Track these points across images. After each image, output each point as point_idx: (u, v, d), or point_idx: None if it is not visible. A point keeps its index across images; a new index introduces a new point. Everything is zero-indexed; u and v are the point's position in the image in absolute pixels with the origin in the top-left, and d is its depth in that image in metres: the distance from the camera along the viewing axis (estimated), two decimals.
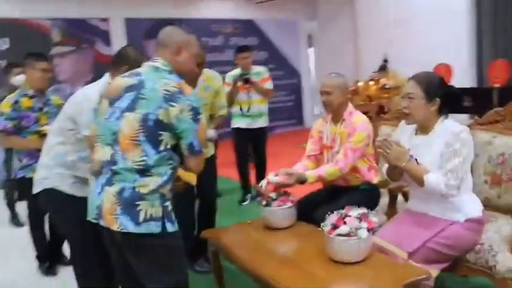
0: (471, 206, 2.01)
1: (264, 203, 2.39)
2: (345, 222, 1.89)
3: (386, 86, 6.88)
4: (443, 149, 1.94)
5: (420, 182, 1.95)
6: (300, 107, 10.52)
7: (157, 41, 1.79)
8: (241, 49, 4.47)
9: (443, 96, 2.00)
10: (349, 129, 2.54)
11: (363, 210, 1.96)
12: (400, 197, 2.54)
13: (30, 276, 3.16)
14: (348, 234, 1.85)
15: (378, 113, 7.21)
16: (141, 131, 1.61)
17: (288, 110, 10.29)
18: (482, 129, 2.46)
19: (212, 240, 2.41)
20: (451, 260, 2.02)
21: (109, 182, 1.64)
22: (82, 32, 7.98)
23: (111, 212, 1.62)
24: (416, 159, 1.99)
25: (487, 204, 2.34)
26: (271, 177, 2.45)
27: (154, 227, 1.63)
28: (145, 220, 1.61)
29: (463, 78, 6.56)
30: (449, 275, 2.14)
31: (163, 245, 1.68)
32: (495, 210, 2.30)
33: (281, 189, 2.44)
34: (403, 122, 2.15)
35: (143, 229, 1.61)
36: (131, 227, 1.60)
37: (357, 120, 2.55)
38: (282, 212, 2.36)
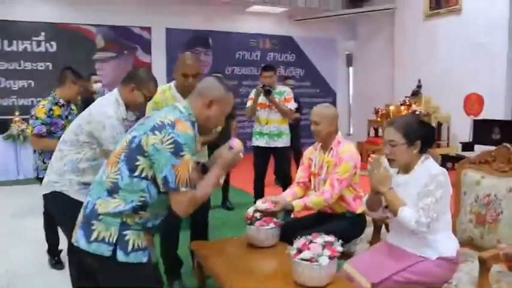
0: (445, 245, 2.02)
1: (248, 222, 2.48)
2: (309, 248, 1.94)
3: (416, 112, 6.78)
4: (421, 189, 1.99)
5: (395, 213, 2.01)
6: None
7: (196, 89, 1.82)
8: (266, 68, 4.52)
9: (423, 136, 2.04)
10: (335, 159, 2.61)
11: (330, 238, 2.00)
12: (383, 228, 2.55)
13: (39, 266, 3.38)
14: (310, 260, 1.91)
15: None
16: (125, 150, 1.66)
17: None
18: (472, 168, 2.46)
19: (196, 252, 2.51)
20: None
21: (90, 192, 1.74)
22: (124, 39, 8.39)
23: (78, 224, 1.71)
24: None
25: (470, 243, 2.34)
26: (259, 204, 2.54)
27: (104, 249, 1.61)
28: (96, 240, 1.62)
29: (494, 109, 6.38)
30: None
31: (114, 271, 1.65)
32: (478, 250, 2.27)
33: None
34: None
35: (92, 248, 1.62)
36: (82, 243, 1.64)
37: (344, 150, 2.61)
38: (264, 232, 2.43)
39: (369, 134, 8.17)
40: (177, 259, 2.99)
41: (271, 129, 4.45)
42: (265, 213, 2.50)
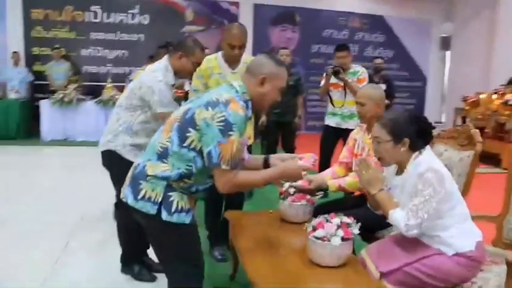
0: (460, 241, 1.85)
1: (281, 197, 2.49)
2: (323, 227, 1.92)
3: (509, 102, 6.18)
4: (412, 189, 1.85)
5: (386, 214, 1.90)
6: (420, 112, 9.91)
7: (248, 68, 1.85)
8: (339, 48, 4.45)
9: (413, 133, 1.87)
10: None
11: (348, 220, 1.96)
12: None
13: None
14: (321, 238, 1.88)
15: (495, 130, 6.53)
16: (179, 120, 1.74)
17: None
18: (441, 141, 2.60)
19: (231, 222, 2.58)
20: None
21: (140, 155, 1.89)
22: (213, 14, 8.65)
23: (126, 182, 1.83)
24: None
25: None
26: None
27: (150, 208, 1.71)
28: (143, 198, 1.72)
29: None
30: None
31: (158, 229, 1.76)
32: None
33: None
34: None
35: (138, 205, 1.73)
36: (130, 200, 1.75)
37: None
38: (295, 207, 2.43)
39: (454, 123, 7.60)
40: (219, 226, 3.10)
41: (344, 111, 4.41)
42: (300, 190, 2.49)
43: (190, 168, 1.72)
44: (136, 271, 2.77)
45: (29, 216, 3.82)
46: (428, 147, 1.92)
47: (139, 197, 1.73)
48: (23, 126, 7.64)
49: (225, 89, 1.79)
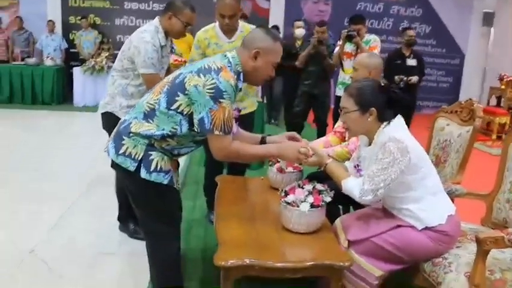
0: (430, 214, 1.80)
1: (270, 163, 2.49)
2: (294, 193, 1.91)
3: None
4: (374, 158, 1.79)
5: (339, 186, 1.87)
6: (456, 90, 9.50)
7: (243, 41, 1.85)
8: (354, 20, 4.42)
9: (380, 103, 1.80)
10: None
11: (322, 187, 1.95)
12: None
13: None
14: (291, 204, 1.88)
15: None
16: (169, 84, 1.77)
17: (442, 92, 9.41)
18: (443, 116, 2.60)
19: (218, 185, 2.62)
20: (406, 264, 1.87)
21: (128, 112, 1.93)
22: None
23: (111, 137, 1.88)
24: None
25: (505, 226, 2.04)
26: None
27: (129, 164, 1.75)
28: (124, 154, 1.76)
29: None
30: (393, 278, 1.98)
31: (136, 186, 1.80)
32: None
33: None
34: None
35: (119, 160, 1.77)
36: (111, 153, 1.80)
37: None
38: (281, 174, 2.43)
39: (488, 102, 7.25)
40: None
41: None
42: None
43: (175, 130, 1.75)
44: (131, 229, 2.89)
45: (56, 173, 4.14)
46: (400, 117, 1.86)
47: (121, 152, 1.77)
48: (57, 92, 7.93)
49: (218, 58, 1.80)
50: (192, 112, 1.72)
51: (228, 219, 2.06)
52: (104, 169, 2.45)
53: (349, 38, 4.22)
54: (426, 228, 1.80)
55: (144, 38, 2.53)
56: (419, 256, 1.83)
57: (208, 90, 1.66)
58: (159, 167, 1.77)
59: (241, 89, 1.85)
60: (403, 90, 4.56)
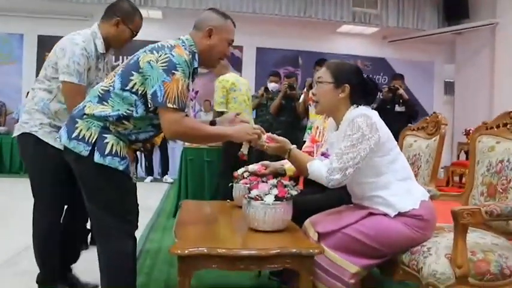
0: (402, 199, 1.69)
1: (235, 181, 2.39)
2: (258, 187, 1.80)
3: None
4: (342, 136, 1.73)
5: (304, 171, 1.77)
6: None
7: (194, 25, 1.83)
8: (319, 62, 4.55)
9: (355, 84, 1.78)
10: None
11: (288, 182, 1.84)
12: None
13: None
14: (255, 198, 1.76)
15: None
16: (123, 66, 1.72)
17: None
18: (409, 134, 2.54)
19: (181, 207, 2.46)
20: (383, 258, 1.72)
21: None
22: None
23: (64, 124, 1.78)
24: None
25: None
26: (251, 166, 2.45)
27: (82, 148, 1.65)
28: (76, 138, 1.66)
29: None
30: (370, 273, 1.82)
31: (89, 171, 1.67)
32: (489, 230, 1.88)
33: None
34: (331, 119, 1.94)
35: (71, 145, 1.67)
36: (63, 139, 1.70)
37: None
38: (245, 190, 2.30)
39: (458, 157, 7.36)
40: None
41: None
42: (256, 175, 2.38)
43: (131, 112, 1.68)
44: None
45: None
46: (368, 107, 1.82)
47: (73, 135, 1.67)
48: None
49: (172, 40, 1.75)
50: (146, 92, 1.65)
51: (186, 225, 1.91)
52: None
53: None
54: (399, 214, 1.68)
55: (74, 40, 2.07)
56: (395, 245, 1.69)
57: (161, 64, 1.62)
58: (114, 151, 1.67)
59: (197, 69, 1.79)
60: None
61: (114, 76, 1.72)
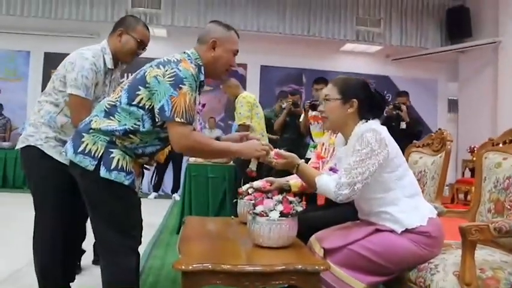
0: (409, 216, 1.67)
1: (240, 197, 2.37)
2: (263, 203, 1.78)
3: None
4: (351, 151, 1.73)
5: (313, 186, 1.75)
6: None
7: (198, 38, 1.84)
8: (317, 80, 4.53)
9: (363, 99, 1.78)
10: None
11: (293, 198, 1.82)
12: None
13: None
14: (260, 214, 1.74)
15: None
16: (130, 81, 1.73)
17: None
18: (414, 151, 2.52)
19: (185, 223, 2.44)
20: (389, 275, 1.69)
21: None
22: None
23: (70, 138, 1.78)
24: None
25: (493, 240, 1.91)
26: (256, 182, 2.44)
27: (88, 163, 1.65)
28: (82, 152, 1.66)
29: None
30: None
31: (94, 186, 1.67)
32: (498, 247, 1.86)
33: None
34: (339, 134, 1.94)
35: (77, 159, 1.67)
36: (69, 153, 1.70)
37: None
38: (248, 205, 2.29)
39: (463, 174, 7.32)
40: None
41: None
42: (261, 191, 2.36)
43: (138, 126, 1.68)
44: None
45: None
46: (377, 121, 1.81)
47: (79, 150, 1.67)
48: None
49: (177, 54, 1.77)
50: (153, 106, 1.65)
51: (190, 241, 1.88)
52: None
53: (313, 108, 4.27)
54: (406, 230, 1.66)
55: (83, 54, 2.09)
56: (401, 262, 1.66)
57: (168, 79, 1.63)
58: (120, 166, 1.67)
59: (203, 82, 1.80)
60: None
61: (121, 91, 1.72)
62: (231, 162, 4.59)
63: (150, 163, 2.10)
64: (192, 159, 4.88)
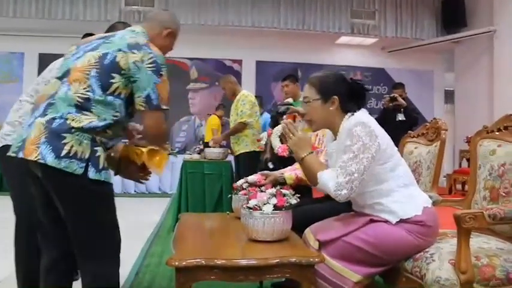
0: (404, 206, 1.66)
1: (234, 192, 2.36)
2: (256, 197, 1.77)
3: None
4: (342, 148, 1.70)
5: (314, 179, 1.73)
6: None
7: (148, 17, 1.86)
8: (284, 78, 4.59)
9: (343, 93, 1.76)
10: None
11: (287, 191, 1.81)
12: None
13: None
14: (253, 208, 1.73)
15: None
16: (95, 66, 1.57)
17: None
18: (409, 141, 2.53)
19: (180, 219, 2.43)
20: (385, 266, 1.68)
21: (42, 113, 1.55)
22: (216, 71, 8.89)
23: (34, 141, 1.49)
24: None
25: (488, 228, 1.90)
26: (250, 177, 2.43)
27: (76, 166, 1.48)
28: (67, 156, 1.47)
29: None
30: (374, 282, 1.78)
31: (81, 190, 1.52)
32: (492, 234, 1.85)
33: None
34: (328, 130, 1.91)
35: (62, 165, 1.46)
36: (50, 159, 1.46)
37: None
38: (244, 200, 2.28)
39: (460, 165, 7.31)
40: None
41: None
42: (254, 185, 2.35)
43: (117, 118, 1.59)
44: None
45: None
46: (364, 110, 1.79)
47: (63, 153, 1.47)
48: None
49: (132, 33, 1.69)
50: (129, 94, 1.60)
51: (184, 238, 1.87)
52: None
53: (282, 114, 4.08)
54: (401, 220, 1.65)
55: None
56: (397, 252, 1.65)
57: (148, 65, 1.59)
58: (105, 164, 1.58)
59: None
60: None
61: (88, 79, 1.56)
62: (227, 158, 4.58)
63: (146, 179, 1.99)
64: (187, 157, 4.86)
